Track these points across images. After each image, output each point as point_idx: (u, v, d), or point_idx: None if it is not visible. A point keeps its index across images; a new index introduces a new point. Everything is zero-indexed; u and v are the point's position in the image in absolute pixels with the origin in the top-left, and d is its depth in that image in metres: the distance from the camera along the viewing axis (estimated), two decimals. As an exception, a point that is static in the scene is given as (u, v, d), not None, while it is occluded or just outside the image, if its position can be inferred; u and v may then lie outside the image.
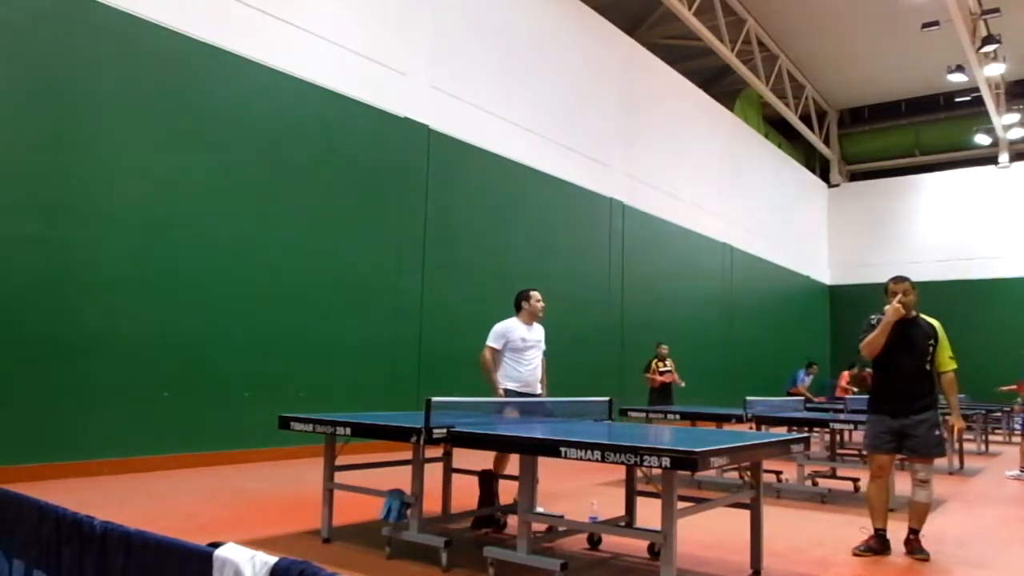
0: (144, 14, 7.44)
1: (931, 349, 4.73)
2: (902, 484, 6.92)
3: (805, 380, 15.44)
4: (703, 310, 17.19)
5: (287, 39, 8.75)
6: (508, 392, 5.77)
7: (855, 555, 4.64)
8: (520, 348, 5.79)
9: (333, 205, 9.18)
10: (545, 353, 6.04)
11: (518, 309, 5.92)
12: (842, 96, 24.27)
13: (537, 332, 5.94)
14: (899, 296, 4.71)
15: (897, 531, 4.80)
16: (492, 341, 5.79)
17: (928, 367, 4.74)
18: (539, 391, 5.93)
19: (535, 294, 5.90)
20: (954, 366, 4.81)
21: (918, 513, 4.73)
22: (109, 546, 2.13)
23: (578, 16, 13.81)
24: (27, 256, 6.59)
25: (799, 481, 7.34)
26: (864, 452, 5.19)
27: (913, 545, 4.68)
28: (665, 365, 12.27)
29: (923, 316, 4.85)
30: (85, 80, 7.03)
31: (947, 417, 5.08)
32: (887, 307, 4.75)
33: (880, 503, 4.78)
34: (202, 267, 7.83)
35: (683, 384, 12.41)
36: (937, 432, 4.68)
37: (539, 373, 5.93)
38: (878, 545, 4.70)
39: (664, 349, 12.49)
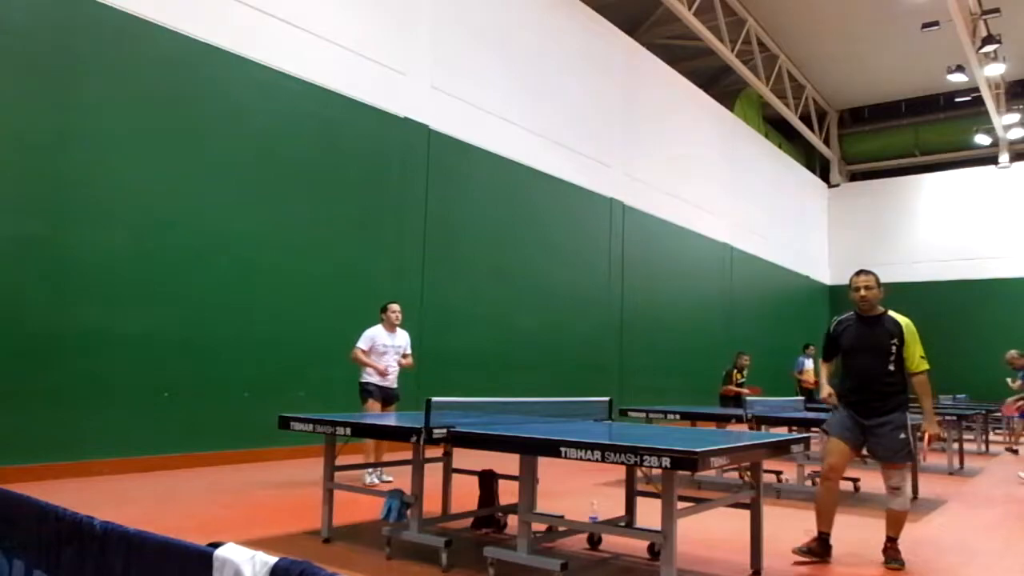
0: (144, 14, 7.44)
1: (895, 348, 4.44)
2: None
3: (806, 364, 14.66)
4: (703, 310, 17.19)
5: (287, 39, 8.75)
6: (366, 384, 7.09)
7: (794, 553, 4.43)
8: (380, 352, 7.12)
9: (333, 205, 9.18)
10: (408, 355, 7.34)
11: (381, 320, 7.23)
12: (842, 96, 24.27)
13: (399, 338, 7.26)
14: (828, 393, 4.74)
15: (877, 534, 4.79)
16: (361, 343, 7.08)
17: (892, 367, 4.45)
18: (395, 386, 7.23)
19: (392, 306, 7.22)
20: (925, 367, 4.49)
21: (894, 520, 4.46)
22: (109, 546, 2.12)
23: (578, 16, 13.80)
24: (27, 256, 6.59)
25: (799, 481, 7.35)
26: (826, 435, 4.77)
27: (889, 553, 4.42)
28: (743, 376, 11.65)
29: (892, 313, 4.59)
30: (85, 80, 7.03)
31: (918, 424, 4.69)
32: (822, 393, 4.76)
33: (828, 506, 4.55)
34: (202, 267, 7.83)
35: (755, 393, 11.19)
36: (902, 436, 4.38)
37: (396, 374, 7.22)
38: (819, 548, 4.49)
39: (745, 360, 11.80)
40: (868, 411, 4.48)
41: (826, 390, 4.77)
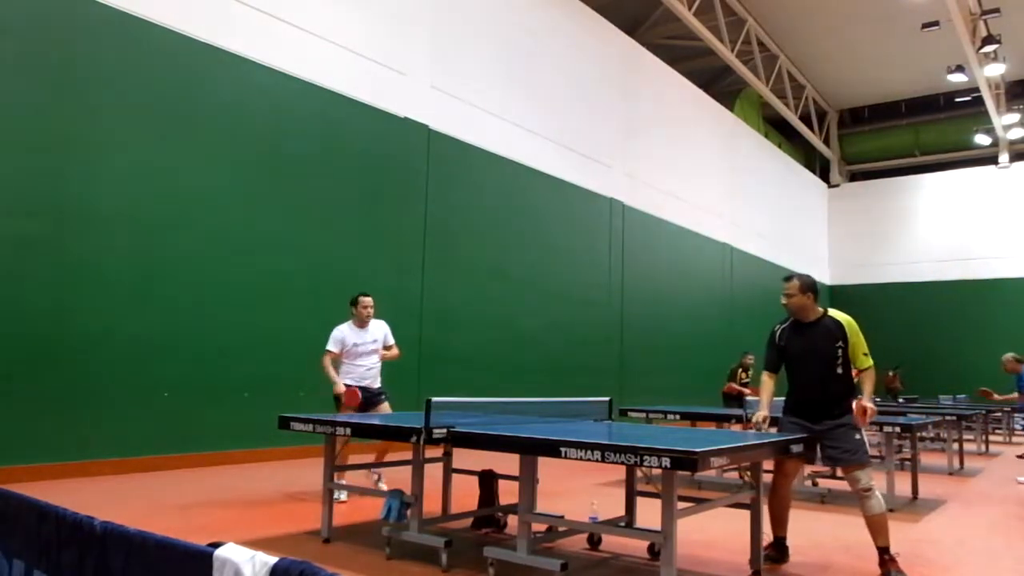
0: (144, 14, 7.44)
1: (841, 352, 4.30)
2: (902, 484, 6.94)
3: None
4: (703, 310, 17.18)
5: (287, 39, 8.75)
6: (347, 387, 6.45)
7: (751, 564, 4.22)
8: (355, 353, 6.50)
9: (333, 205, 9.18)
10: (391, 346, 6.72)
11: (351, 316, 6.59)
12: (842, 96, 24.27)
13: (373, 332, 6.59)
14: (764, 417, 4.39)
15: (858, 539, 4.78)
16: (330, 346, 6.45)
17: (840, 370, 4.32)
18: (376, 385, 6.58)
19: (363, 299, 6.54)
20: (869, 363, 4.37)
21: (877, 528, 4.18)
22: (109, 546, 2.12)
23: (578, 16, 13.81)
24: (27, 256, 6.59)
25: (799, 481, 7.33)
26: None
27: (890, 567, 4.13)
28: (747, 376, 11.79)
29: (832, 313, 4.42)
30: (85, 80, 7.03)
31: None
32: (755, 415, 4.46)
33: (782, 511, 4.49)
34: (202, 267, 7.83)
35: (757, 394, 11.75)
36: (857, 436, 4.26)
37: (376, 371, 6.59)
38: (776, 553, 4.44)
39: (750, 359, 11.91)
40: (819, 416, 4.33)
41: (764, 412, 4.43)
